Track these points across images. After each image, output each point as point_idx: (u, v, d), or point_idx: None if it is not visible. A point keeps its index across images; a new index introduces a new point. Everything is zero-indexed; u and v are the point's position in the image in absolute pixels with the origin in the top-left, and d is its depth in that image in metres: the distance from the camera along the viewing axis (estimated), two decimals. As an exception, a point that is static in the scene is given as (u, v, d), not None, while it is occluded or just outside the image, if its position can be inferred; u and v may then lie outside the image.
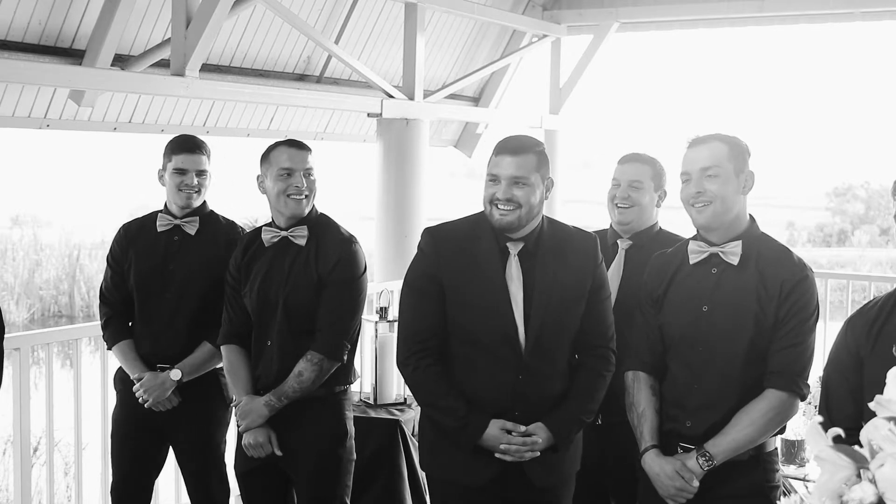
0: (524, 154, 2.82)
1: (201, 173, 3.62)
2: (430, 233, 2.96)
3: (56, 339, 4.30)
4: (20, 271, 23.15)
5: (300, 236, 3.30)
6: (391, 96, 7.33)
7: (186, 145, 3.62)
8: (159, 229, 3.64)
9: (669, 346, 2.81)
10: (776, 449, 2.84)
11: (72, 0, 5.87)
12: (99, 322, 3.75)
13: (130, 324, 3.67)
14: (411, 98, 7.44)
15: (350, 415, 3.42)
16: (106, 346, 3.76)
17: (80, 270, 22.92)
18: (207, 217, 3.68)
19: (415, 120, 7.40)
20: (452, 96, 8.84)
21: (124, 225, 3.76)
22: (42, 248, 24.67)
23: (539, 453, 2.81)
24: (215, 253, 3.58)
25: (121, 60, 6.26)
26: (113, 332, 3.65)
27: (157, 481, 3.83)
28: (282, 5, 6.45)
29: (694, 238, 2.83)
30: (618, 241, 3.30)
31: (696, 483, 2.68)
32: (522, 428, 2.79)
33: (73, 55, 6.04)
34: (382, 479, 4.20)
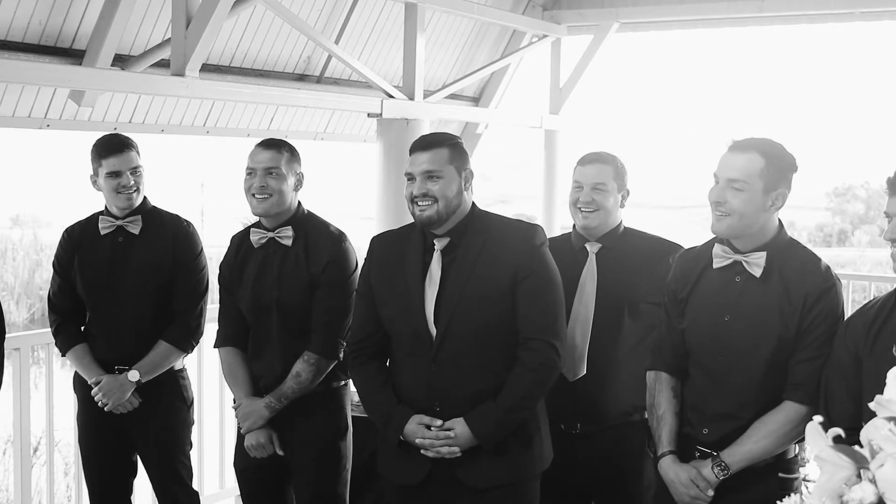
0: (435, 148, 2.88)
1: (135, 171, 3.53)
2: (373, 238, 3.08)
3: (56, 339, 4.29)
4: (20, 271, 23.17)
5: (286, 237, 3.29)
6: (391, 96, 7.32)
7: (114, 147, 3.52)
8: (102, 232, 3.57)
9: (690, 352, 2.78)
10: (796, 456, 2.79)
11: (72, 0, 5.87)
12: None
13: (82, 328, 3.62)
14: (411, 98, 7.43)
15: (350, 410, 3.43)
16: (60, 354, 3.70)
17: (80, 270, 22.92)
18: (150, 214, 3.62)
19: (415, 120, 7.40)
20: (452, 96, 8.83)
21: (68, 229, 3.69)
22: (42, 248, 24.69)
23: (458, 450, 2.79)
24: (162, 250, 3.56)
25: (121, 60, 6.26)
26: (65, 339, 3.60)
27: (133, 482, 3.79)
28: (282, 5, 6.45)
29: (719, 241, 2.76)
30: (586, 246, 3.21)
31: (710, 493, 2.66)
32: (438, 422, 2.81)
33: (73, 55, 6.04)
34: (382, 480, 4.19)
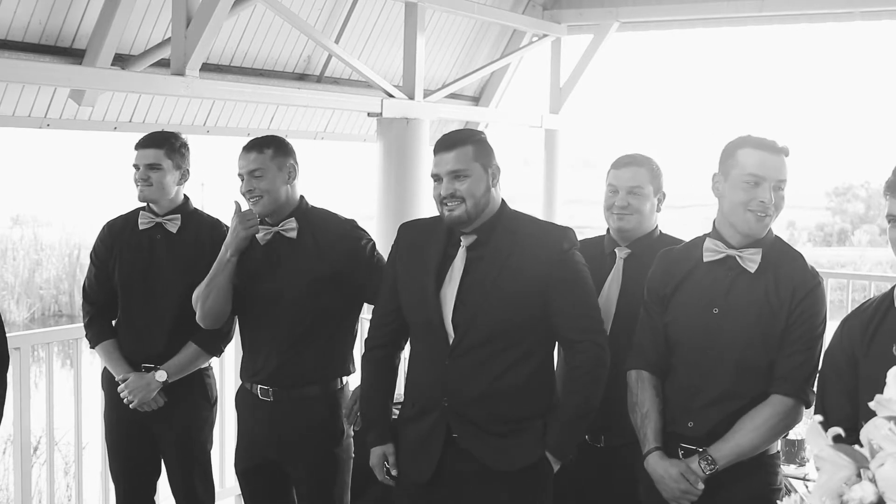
0: (459, 147, 2.82)
1: (152, 167, 3.53)
2: (401, 226, 3.08)
3: (56, 338, 4.30)
4: (20, 271, 23.20)
5: (290, 229, 3.28)
6: (391, 96, 7.33)
7: (141, 141, 3.59)
8: (141, 227, 3.60)
9: (675, 347, 2.77)
10: (778, 452, 2.81)
11: (72, 0, 5.87)
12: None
13: (114, 322, 3.64)
14: (411, 97, 7.44)
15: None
16: (89, 345, 3.71)
17: (80, 270, 22.96)
18: (190, 215, 3.63)
19: (415, 119, 7.40)
20: (453, 96, 8.84)
21: (108, 222, 3.72)
22: (42, 247, 24.74)
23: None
24: (198, 251, 3.54)
25: (121, 60, 6.26)
26: (96, 332, 3.61)
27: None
28: (282, 5, 6.45)
29: (710, 235, 2.77)
30: (615, 250, 3.14)
31: (701, 486, 2.65)
32: (394, 472, 2.97)
33: (73, 55, 6.04)
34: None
